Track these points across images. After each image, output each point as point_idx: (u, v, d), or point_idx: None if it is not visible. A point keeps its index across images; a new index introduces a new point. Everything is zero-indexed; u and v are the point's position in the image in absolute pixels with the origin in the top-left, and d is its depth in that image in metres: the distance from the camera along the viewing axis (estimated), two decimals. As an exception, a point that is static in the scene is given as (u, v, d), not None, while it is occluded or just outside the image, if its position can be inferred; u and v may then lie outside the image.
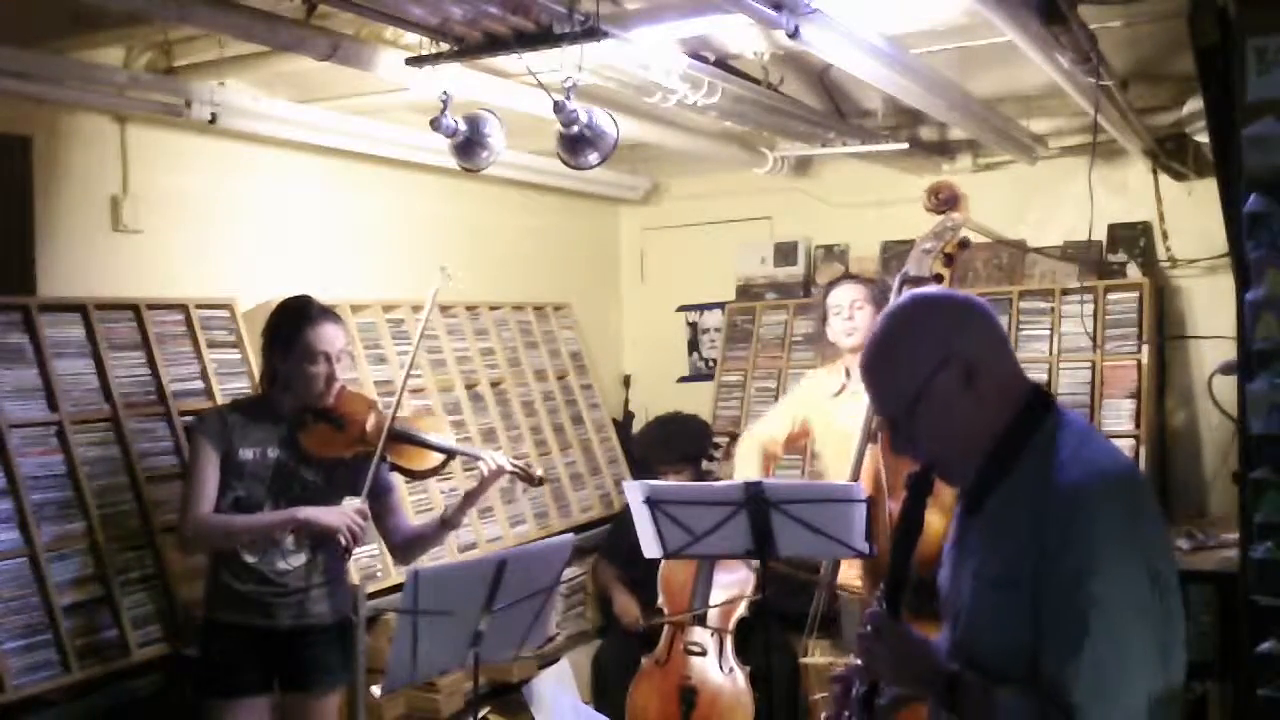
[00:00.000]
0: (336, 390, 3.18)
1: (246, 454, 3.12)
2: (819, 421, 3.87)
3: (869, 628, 1.82)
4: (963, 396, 1.74)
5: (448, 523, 3.34)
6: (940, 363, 1.73)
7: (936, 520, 1.92)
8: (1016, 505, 1.71)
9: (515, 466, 3.36)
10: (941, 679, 1.73)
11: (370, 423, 3.21)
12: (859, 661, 1.87)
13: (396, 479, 3.46)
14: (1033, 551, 1.65)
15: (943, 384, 1.73)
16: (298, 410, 3.18)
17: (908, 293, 1.98)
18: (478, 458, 3.32)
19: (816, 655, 4.19)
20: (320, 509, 3.09)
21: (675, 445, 4.78)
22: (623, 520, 3.41)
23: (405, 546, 3.40)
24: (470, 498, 3.32)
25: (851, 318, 3.74)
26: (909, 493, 1.84)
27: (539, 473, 3.42)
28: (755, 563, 3.48)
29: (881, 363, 1.81)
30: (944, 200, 3.43)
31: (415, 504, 4.22)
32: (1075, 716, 1.59)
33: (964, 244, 3.46)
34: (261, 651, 3.13)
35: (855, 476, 3.37)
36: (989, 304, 1.86)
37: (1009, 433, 1.75)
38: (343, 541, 3.05)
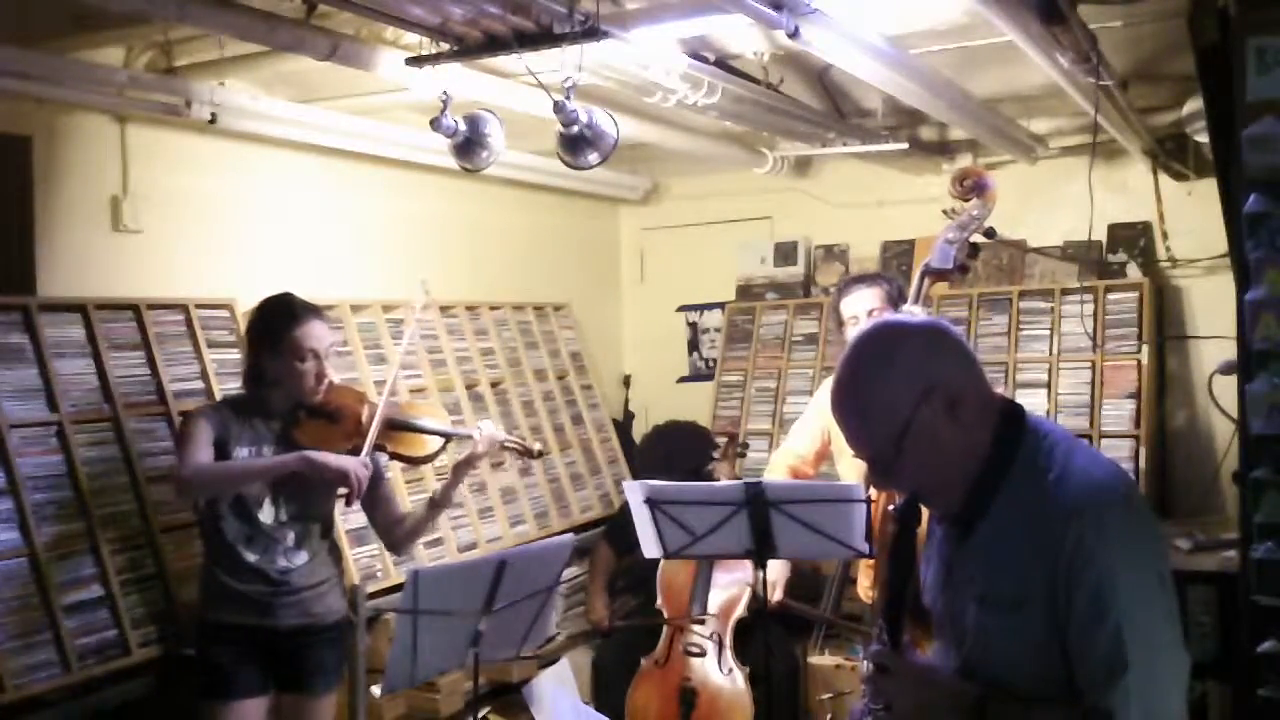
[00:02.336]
0: (326, 386, 3.18)
1: (241, 452, 3.11)
2: (837, 430, 3.76)
3: (876, 667, 1.78)
4: (947, 425, 1.69)
5: (437, 503, 3.31)
6: (923, 394, 1.68)
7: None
8: (1014, 525, 1.69)
9: (512, 442, 3.37)
10: (969, 701, 1.69)
11: (364, 414, 3.21)
12: (871, 704, 1.82)
13: (394, 468, 3.44)
14: (1041, 569, 1.64)
15: (926, 416, 1.68)
16: (290, 408, 3.18)
17: (870, 324, 1.91)
18: (469, 436, 3.29)
19: (824, 656, 4.19)
20: (328, 454, 3.05)
21: (677, 464, 4.73)
22: (628, 508, 3.39)
23: (398, 533, 3.37)
24: (458, 472, 3.28)
25: None
26: (898, 526, 1.82)
27: (537, 446, 3.44)
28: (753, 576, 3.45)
29: (858, 403, 1.74)
30: (970, 187, 3.34)
31: (417, 502, 4.22)
32: None
33: (990, 233, 3.37)
34: (260, 652, 3.12)
35: (868, 480, 3.33)
36: (952, 325, 1.82)
37: (993, 453, 1.72)
38: (352, 486, 3.02)
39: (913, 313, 3.16)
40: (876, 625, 1.85)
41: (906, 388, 1.68)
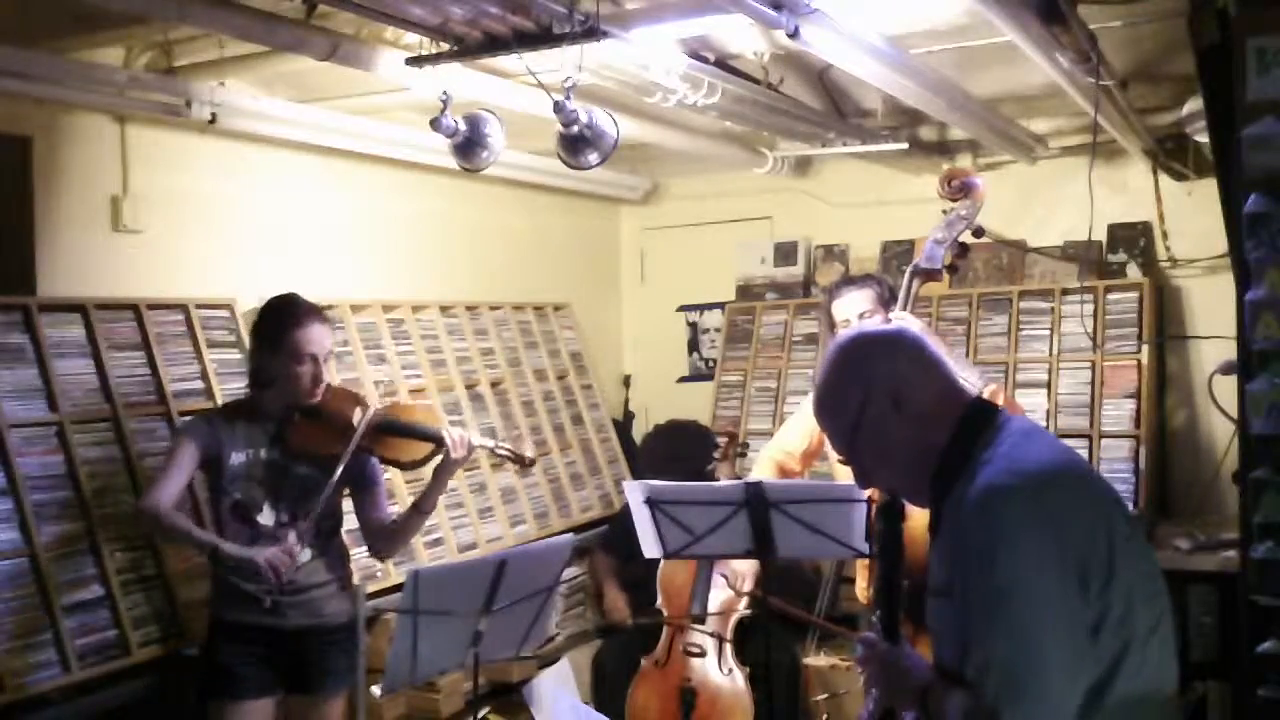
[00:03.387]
0: (323, 389, 3.16)
1: (238, 457, 3.11)
2: None
3: (863, 652, 1.90)
4: (895, 422, 1.81)
5: (420, 508, 3.30)
6: (865, 394, 1.82)
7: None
8: (953, 516, 1.74)
9: (504, 449, 3.36)
10: (915, 686, 1.79)
11: (355, 418, 3.19)
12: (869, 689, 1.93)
13: (394, 475, 3.40)
14: (959, 555, 1.69)
15: (873, 414, 1.82)
16: (285, 409, 3.17)
17: (840, 335, 2.08)
18: (447, 440, 3.21)
19: (820, 657, 4.20)
20: (243, 548, 2.99)
21: (681, 460, 4.73)
22: (624, 514, 3.39)
23: (384, 539, 3.36)
24: (438, 477, 3.25)
25: None
26: (883, 522, 1.92)
27: (529, 454, 3.41)
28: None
29: (821, 406, 1.92)
30: (957, 187, 3.34)
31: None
32: (994, 716, 1.60)
33: (978, 233, 3.38)
34: (269, 652, 3.12)
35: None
36: (917, 333, 1.93)
37: (950, 448, 1.79)
38: (266, 577, 2.96)
39: (902, 315, 3.17)
40: (874, 616, 1.94)
41: (853, 388, 1.84)
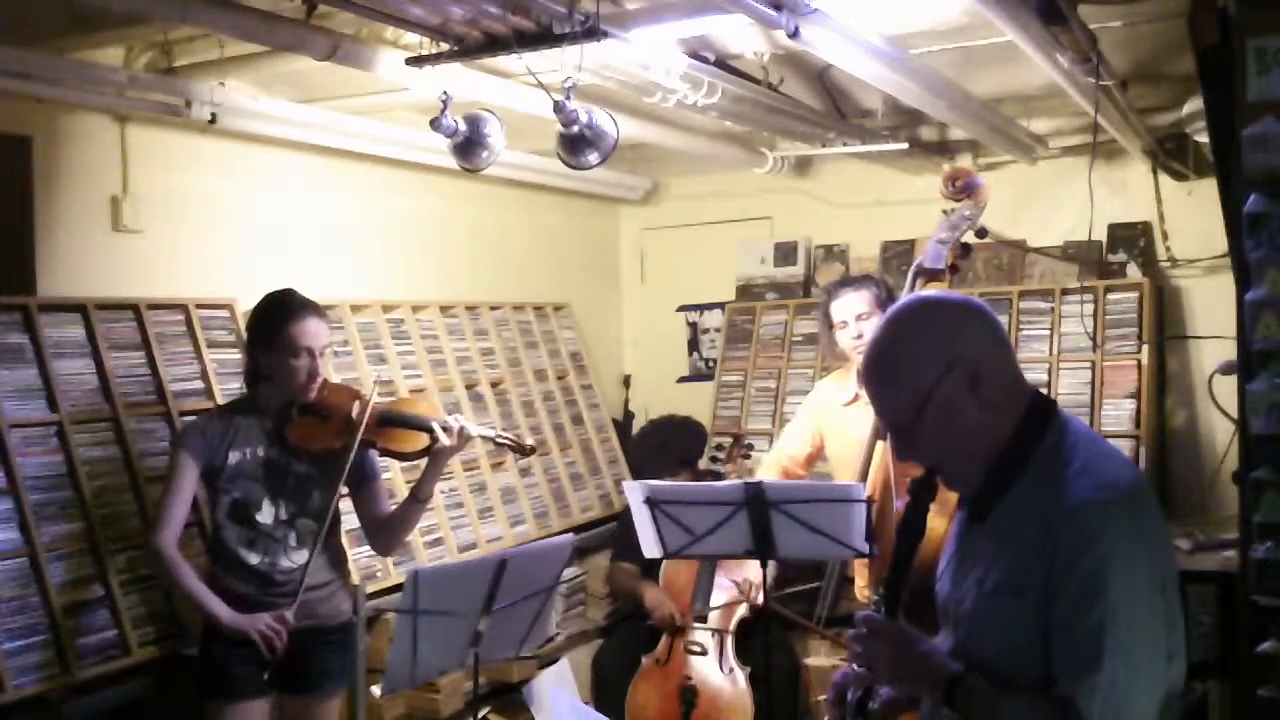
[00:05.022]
0: (320, 385, 3.16)
1: (235, 455, 3.11)
2: (831, 432, 3.77)
3: (863, 629, 1.82)
4: (968, 402, 1.72)
5: (417, 495, 3.29)
6: (946, 367, 1.71)
7: (939, 524, 1.92)
8: (1025, 515, 1.70)
9: (505, 439, 3.38)
10: (943, 676, 1.72)
11: (354, 411, 3.19)
12: (854, 666, 1.87)
13: (391, 466, 3.41)
14: (1041, 563, 1.65)
15: (948, 389, 1.71)
16: (283, 406, 3.17)
17: (909, 296, 1.97)
18: (438, 431, 3.22)
19: (820, 656, 4.21)
20: (240, 617, 3.02)
21: (671, 450, 4.74)
22: (628, 520, 3.39)
23: (383, 531, 3.35)
24: (435, 463, 3.25)
25: (860, 335, 3.55)
26: (912, 497, 1.84)
27: (529, 442, 3.44)
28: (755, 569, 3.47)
29: (885, 369, 1.78)
30: (961, 188, 3.34)
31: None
32: None
33: (981, 233, 3.37)
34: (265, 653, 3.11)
35: (863, 475, 3.34)
36: (989, 306, 1.83)
37: (1015, 440, 1.74)
38: (261, 645, 3.00)
39: None
40: (876, 594, 1.88)
41: (932, 359, 1.72)
